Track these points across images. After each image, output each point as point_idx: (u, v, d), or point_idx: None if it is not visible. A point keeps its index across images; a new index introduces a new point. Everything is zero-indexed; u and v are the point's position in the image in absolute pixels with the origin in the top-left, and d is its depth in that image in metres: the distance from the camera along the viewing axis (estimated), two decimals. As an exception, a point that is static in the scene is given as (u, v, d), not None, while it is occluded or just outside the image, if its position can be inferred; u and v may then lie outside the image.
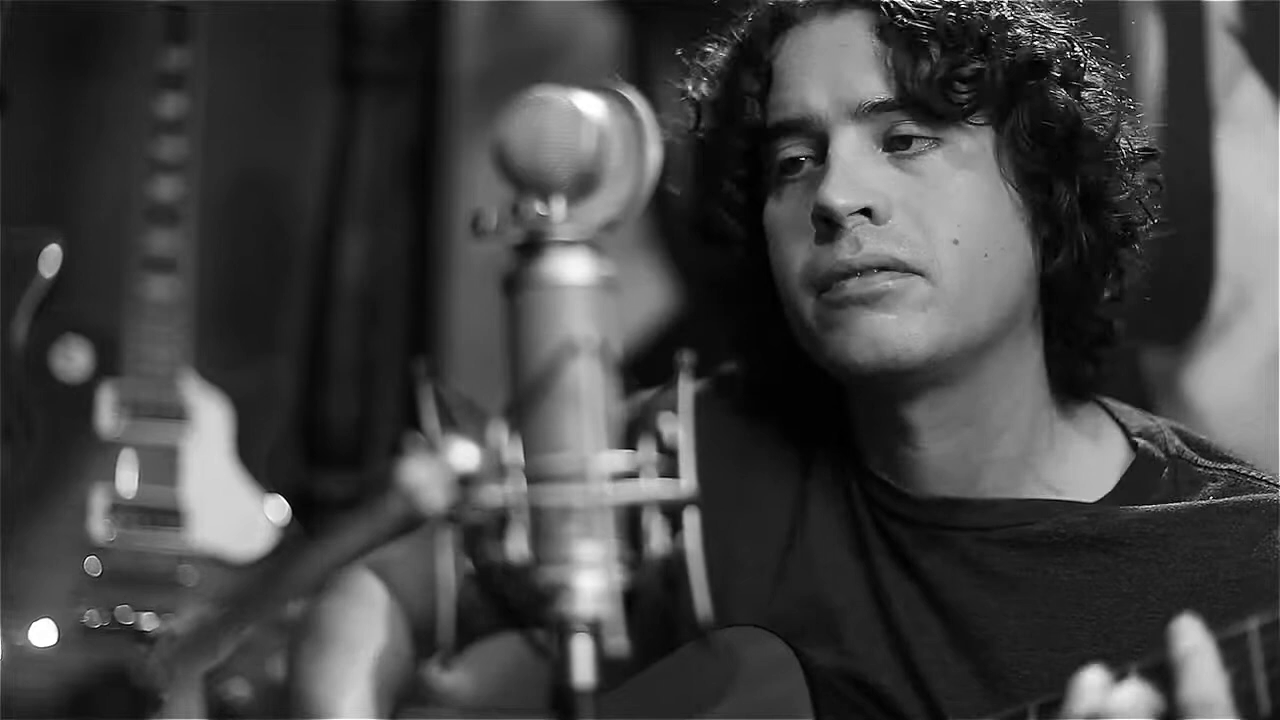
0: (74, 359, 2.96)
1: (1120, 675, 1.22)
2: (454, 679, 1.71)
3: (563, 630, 1.00)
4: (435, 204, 3.34)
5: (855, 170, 1.47)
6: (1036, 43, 1.50)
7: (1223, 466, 1.53)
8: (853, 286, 1.46)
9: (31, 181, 3.27)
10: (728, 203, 1.58)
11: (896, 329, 1.46)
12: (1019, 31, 1.49)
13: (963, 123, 1.48)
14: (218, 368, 2.99)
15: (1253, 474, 1.52)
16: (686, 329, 2.95)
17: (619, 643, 1.00)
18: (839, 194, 1.46)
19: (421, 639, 1.64)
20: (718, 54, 1.59)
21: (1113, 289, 1.55)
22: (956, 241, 1.46)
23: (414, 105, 3.32)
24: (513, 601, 1.52)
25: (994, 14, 1.49)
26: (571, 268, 1.03)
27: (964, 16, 1.48)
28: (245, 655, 2.71)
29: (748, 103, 1.54)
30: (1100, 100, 1.52)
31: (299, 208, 3.37)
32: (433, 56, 3.33)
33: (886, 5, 1.48)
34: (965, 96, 1.47)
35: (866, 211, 1.46)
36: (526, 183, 1.03)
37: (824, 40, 1.51)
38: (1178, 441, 1.56)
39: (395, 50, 3.25)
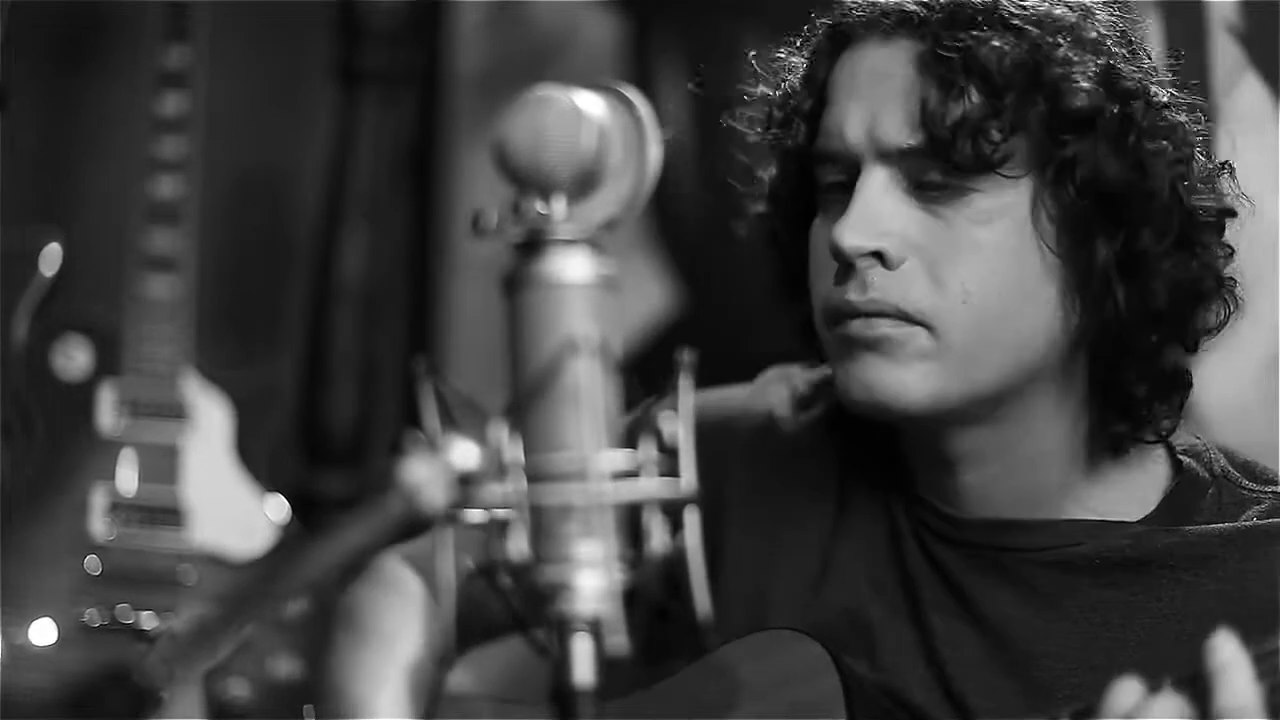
0: (74, 358, 2.96)
1: (1155, 686, 1.22)
2: (457, 678, 1.71)
3: (563, 629, 1.00)
4: (436, 203, 3.34)
5: (875, 210, 1.42)
6: (1091, 89, 1.40)
7: (1267, 490, 1.51)
8: (856, 329, 1.44)
9: (31, 180, 3.27)
10: (785, 213, 1.56)
11: (891, 375, 1.43)
12: (1074, 75, 1.40)
13: (999, 174, 1.41)
14: (218, 366, 2.99)
15: None
16: (687, 328, 2.95)
17: (619, 642, 1.00)
18: (851, 234, 1.42)
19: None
20: (788, 61, 1.55)
21: (1186, 340, 1.48)
22: (967, 299, 1.41)
23: (415, 104, 3.32)
24: (514, 600, 1.52)
25: (1053, 51, 1.40)
26: (572, 266, 1.03)
27: (1010, 53, 1.39)
28: (245, 654, 2.71)
29: (795, 123, 1.51)
30: (1165, 155, 1.42)
31: (299, 206, 3.37)
32: (433, 55, 3.33)
33: (932, 34, 1.41)
34: (994, 147, 1.40)
35: (879, 255, 1.42)
36: (527, 181, 1.03)
37: (868, 69, 1.46)
38: (1223, 461, 1.53)
39: (396, 49, 3.24)
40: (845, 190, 1.45)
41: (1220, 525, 1.48)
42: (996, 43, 1.40)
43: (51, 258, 2.99)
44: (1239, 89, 2.37)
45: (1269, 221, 2.30)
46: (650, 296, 3.01)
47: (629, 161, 1.05)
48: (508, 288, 1.03)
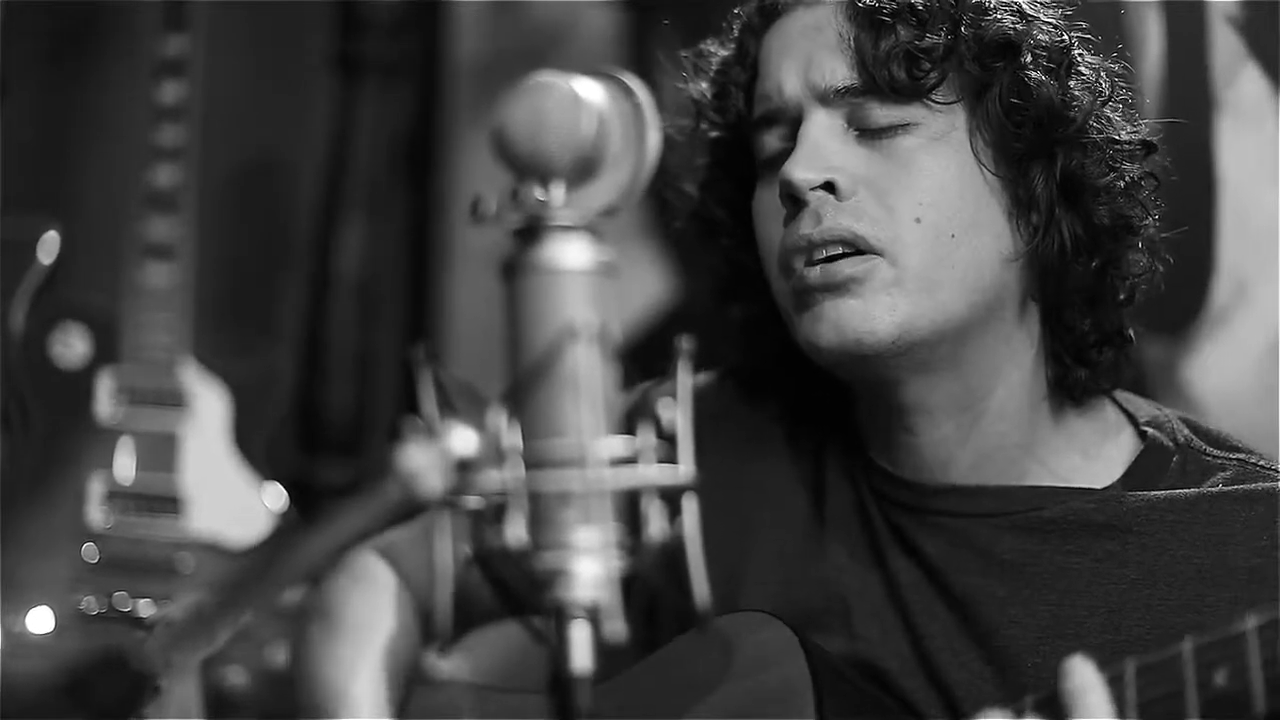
0: (72, 346, 2.96)
1: (1018, 710, 1.25)
2: (452, 665, 1.71)
3: (560, 616, 1.00)
4: (434, 191, 3.34)
5: (821, 148, 1.47)
6: (1011, 25, 1.48)
7: (1232, 456, 1.52)
8: (815, 277, 1.47)
9: (30, 168, 3.27)
10: (722, 197, 1.60)
11: (859, 311, 1.45)
12: (993, 14, 1.48)
13: (931, 103, 1.47)
14: (216, 355, 2.99)
15: (1261, 463, 1.52)
16: (685, 315, 2.95)
17: (617, 628, 1.00)
18: (799, 168, 1.47)
19: (429, 621, 1.65)
20: (716, 53, 1.61)
21: (1119, 290, 1.53)
22: (919, 220, 1.46)
23: (413, 93, 3.32)
24: (512, 586, 1.52)
25: None
26: (571, 253, 1.03)
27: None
28: (243, 642, 2.71)
29: (732, 93, 1.57)
30: (1084, 87, 1.50)
31: (298, 195, 3.37)
32: (432, 44, 3.33)
33: None
34: (925, 72, 1.46)
35: (830, 187, 1.47)
36: (526, 168, 1.03)
37: (799, 28, 1.52)
38: (1186, 431, 1.55)
39: (394, 38, 3.25)
40: (783, 152, 1.50)
41: (1187, 491, 1.49)
42: None
43: (50, 246, 2.99)
44: (1239, 80, 2.38)
45: (1268, 213, 2.31)
46: (649, 282, 3.01)
47: (628, 148, 1.05)
48: (506, 274, 1.03)
